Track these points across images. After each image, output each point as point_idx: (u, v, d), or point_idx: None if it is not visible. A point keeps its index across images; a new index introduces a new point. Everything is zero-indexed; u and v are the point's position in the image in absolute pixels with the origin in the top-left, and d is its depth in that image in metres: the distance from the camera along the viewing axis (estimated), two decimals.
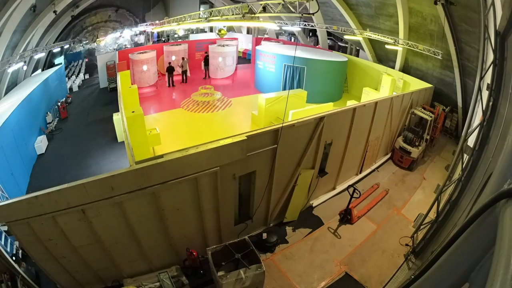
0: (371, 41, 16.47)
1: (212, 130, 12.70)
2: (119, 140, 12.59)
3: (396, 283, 6.66)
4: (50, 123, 13.99)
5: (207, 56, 20.01)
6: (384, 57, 16.62)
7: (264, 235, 7.50)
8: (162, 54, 19.73)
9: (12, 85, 14.48)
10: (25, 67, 14.88)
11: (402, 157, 10.99)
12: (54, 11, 15.11)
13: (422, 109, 11.60)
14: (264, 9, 8.67)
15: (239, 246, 6.42)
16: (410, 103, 11.66)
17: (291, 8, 7.95)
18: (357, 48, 20.70)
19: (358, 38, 16.32)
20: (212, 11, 11.11)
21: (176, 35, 33.13)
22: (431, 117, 11.05)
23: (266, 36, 24.44)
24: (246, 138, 6.15)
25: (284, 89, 16.06)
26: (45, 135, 12.66)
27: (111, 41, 31.45)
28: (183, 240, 6.50)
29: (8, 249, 6.26)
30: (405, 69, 15.16)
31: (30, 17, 13.94)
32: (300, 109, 11.08)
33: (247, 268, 5.88)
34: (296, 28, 19.12)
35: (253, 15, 9.23)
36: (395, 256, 7.44)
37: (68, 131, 14.09)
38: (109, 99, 17.54)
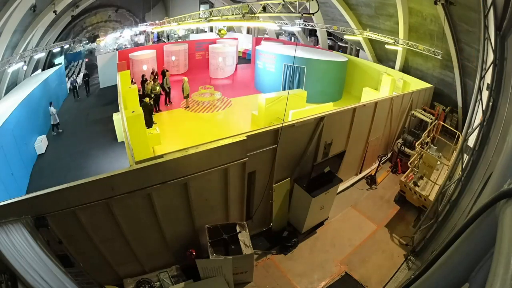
0: (371, 41, 16.47)
1: (212, 130, 12.70)
2: (119, 140, 12.59)
3: (396, 283, 6.66)
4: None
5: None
6: (384, 57, 16.63)
7: (285, 233, 7.51)
8: (162, 54, 19.69)
9: (12, 85, 14.48)
10: (25, 67, 14.89)
11: (401, 161, 10.94)
12: (54, 11, 15.12)
13: (422, 111, 11.58)
14: (264, 9, 8.68)
15: (230, 229, 6.53)
16: (410, 103, 11.65)
17: (291, 8, 7.96)
18: (357, 48, 20.71)
19: (358, 38, 16.33)
20: (212, 11, 11.12)
21: (176, 35, 33.15)
22: (431, 119, 11.03)
23: (266, 36, 24.45)
24: (246, 138, 6.15)
25: (284, 89, 16.07)
26: (45, 135, 12.66)
27: (111, 41, 31.46)
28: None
29: None
30: (405, 69, 15.17)
31: (30, 17, 13.95)
32: (300, 109, 11.08)
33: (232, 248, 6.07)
34: (296, 28, 19.14)
35: (253, 15, 9.24)
36: (395, 256, 7.44)
37: (68, 131, 14.09)
38: (109, 99, 17.54)
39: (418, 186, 8.83)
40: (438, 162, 9.30)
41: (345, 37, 18.19)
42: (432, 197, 8.21)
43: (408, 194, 9.07)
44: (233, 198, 6.76)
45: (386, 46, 14.27)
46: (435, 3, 10.00)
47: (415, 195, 8.81)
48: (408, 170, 9.31)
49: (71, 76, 21.53)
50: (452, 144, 10.72)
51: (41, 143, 11.84)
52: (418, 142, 9.97)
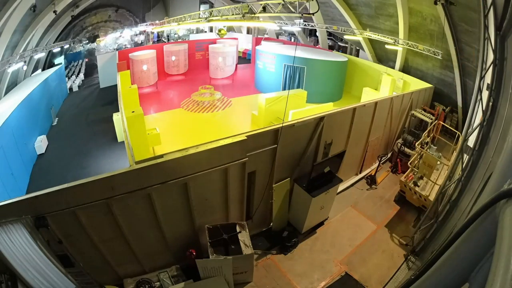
0: (371, 41, 16.47)
1: (212, 130, 12.70)
2: (119, 140, 12.59)
3: (396, 283, 6.66)
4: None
5: None
6: (384, 57, 16.63)
7: (285, 233, 7.50)
8: (162, 54, 19.68)
9: (12, 85, 14.48)
10: (25, 67, 14.89)
11: (401, 160, 10.92)
12: (54, 11, 15.12)
13: (422, 111, 11.57)
14: (264, 9, 8.68)
15: (230, 229, 6.53)
16: (410, 103, 11.65)
17: (291, 8, 7.96)
18: (357, 48, 20.71)
19: (358, 38, 16.33)
20: (212, 11, 11.13)
21: (176, 35, 33.14)
22: (431, 119, 11.01)
23: (266, 36, 24.45)
24: (246, 138, 6.15)
25: (284, 89, 16.07)
26: (45, 135, 12.66)
27: (111, 41, 31.46)
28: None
29: None
30: (405, 69, 15.17)
31: (30, 17, 13.94)
32: (300, 109, 11.07)
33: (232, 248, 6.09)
34: (296, 28, 19.14)
35: (253, 15, 9.24)
36: (395, 256, 7.44)
37: (68, 131, 14.09)
38: (109, 99, 17.56)
39: (418, 186, 8.83)
40: (438, 162, 9.31)
41: (345, 37, 18.19)
42: (432, 197, 8.21)
43: (408, 194, 9.07)
44: (233, 198, 6.76)
45: (386, 46, 14.27)
46: (435, 3, 10.00)
47: (415, 195, 8.81)
48: (408, 170, 9.32)
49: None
50: (452, 144, 10.72)
51: (41, 143, 11.84)
52: (418, 142, 9.98)
